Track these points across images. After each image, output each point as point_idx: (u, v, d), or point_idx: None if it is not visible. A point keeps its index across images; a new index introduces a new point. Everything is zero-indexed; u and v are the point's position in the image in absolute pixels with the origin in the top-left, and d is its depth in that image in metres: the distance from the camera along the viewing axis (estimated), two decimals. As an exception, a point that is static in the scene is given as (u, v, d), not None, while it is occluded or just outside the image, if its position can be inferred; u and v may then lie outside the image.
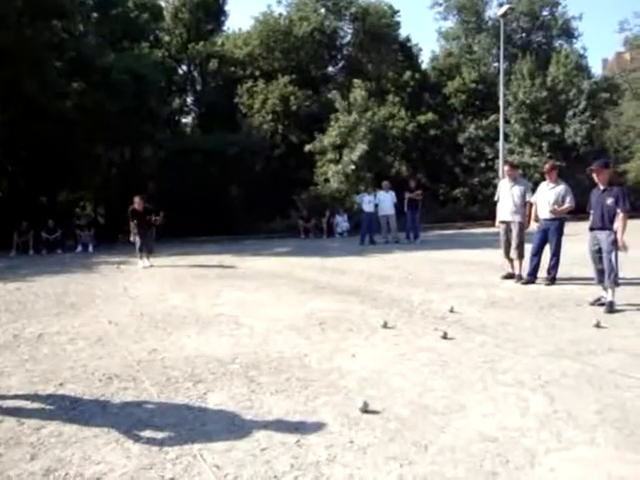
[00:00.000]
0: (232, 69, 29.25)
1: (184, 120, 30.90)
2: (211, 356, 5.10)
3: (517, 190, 9.13)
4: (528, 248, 8.97)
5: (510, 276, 9.22)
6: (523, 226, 9.06)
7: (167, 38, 28.51)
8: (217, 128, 25.58)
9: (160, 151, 23.28)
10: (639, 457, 3.04)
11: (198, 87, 30.00)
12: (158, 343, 5.62)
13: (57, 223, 17.48)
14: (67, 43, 18.85)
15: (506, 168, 9.71)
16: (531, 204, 8.97)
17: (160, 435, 3.44)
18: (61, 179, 20.76)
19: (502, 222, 9.35)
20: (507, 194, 9.23)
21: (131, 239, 12.85)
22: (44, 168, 19.36)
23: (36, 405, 4.01)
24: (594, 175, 7.08)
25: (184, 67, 29.61)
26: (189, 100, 30.45)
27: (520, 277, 8.99)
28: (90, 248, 17.29)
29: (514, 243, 9.07)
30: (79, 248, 17.34)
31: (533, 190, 9.21)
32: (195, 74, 29.94)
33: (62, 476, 2.97)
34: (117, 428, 3.53)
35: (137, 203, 12.51)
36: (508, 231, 9.22)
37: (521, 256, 9.08)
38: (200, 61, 28.68)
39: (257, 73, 28.69)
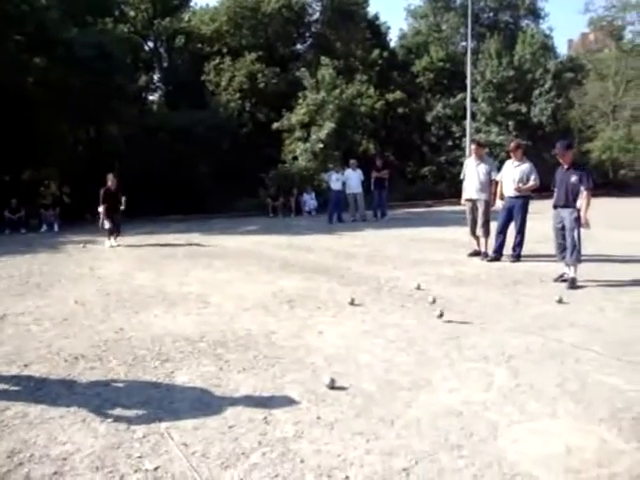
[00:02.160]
0: (199, 46, 28.72)
1: (151, 97, 30.34)
2: (179, 335, 5.08)
3: (483, 168, 9.22)
4: (494, 226, 9.09)
5: (476, 253, 9.35)
6: (489, 204, 9.18)
7: (132, 13, 27.72)
8: (184, 106, 25.15)
9: (126, 129, 22.86)
10: (596, 428, 3.14)
11: (165, 64, 29.36)
12: (125, 322, 5.58)
13: (20, 202, 17.09)
14: (28, 16, 18.23)
15: (473, 147, 9.75)
16: (497, 182, 9.09)
17: (127, 414, 3.43)
18: (24, 157, 20.22)
19: (468, 200, 9.46)
20: (473, 172, 9.31)
21: (105, 226, 12.00)
22: (6, 146, 18.80)
23: (0, 386, 3.96)
24: (558, 156, 7.23)
25: (150, 43, 28.93)
26: (156, 77, 29.80)
27: (486, 254, 9.12)
28: (55, 227, 16.99)
29: (480, 221, 9.19)
30: (44, 227, 17.01)
31: (499, 168, 9.33)
32: (162, 51, 29.28)
33: (27, 457, 2.94)
34: (84, 408, 3.52)
35: (110, 181, 12.09)
36: (474, 209, 9.33)
37: (487, 234, 9.20)
38: (167, 37, 28.07)
39: (224, 50, 28.23)
